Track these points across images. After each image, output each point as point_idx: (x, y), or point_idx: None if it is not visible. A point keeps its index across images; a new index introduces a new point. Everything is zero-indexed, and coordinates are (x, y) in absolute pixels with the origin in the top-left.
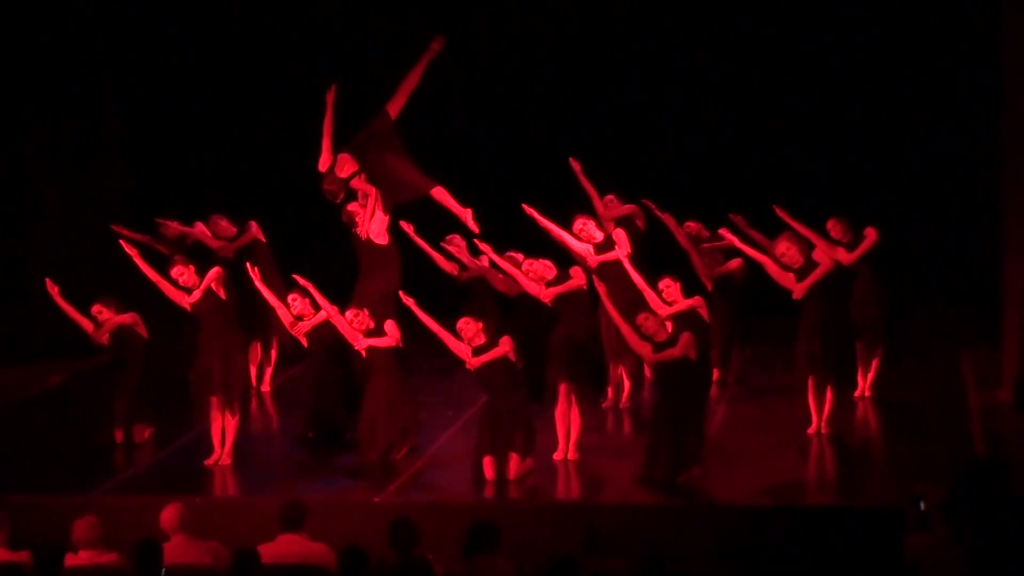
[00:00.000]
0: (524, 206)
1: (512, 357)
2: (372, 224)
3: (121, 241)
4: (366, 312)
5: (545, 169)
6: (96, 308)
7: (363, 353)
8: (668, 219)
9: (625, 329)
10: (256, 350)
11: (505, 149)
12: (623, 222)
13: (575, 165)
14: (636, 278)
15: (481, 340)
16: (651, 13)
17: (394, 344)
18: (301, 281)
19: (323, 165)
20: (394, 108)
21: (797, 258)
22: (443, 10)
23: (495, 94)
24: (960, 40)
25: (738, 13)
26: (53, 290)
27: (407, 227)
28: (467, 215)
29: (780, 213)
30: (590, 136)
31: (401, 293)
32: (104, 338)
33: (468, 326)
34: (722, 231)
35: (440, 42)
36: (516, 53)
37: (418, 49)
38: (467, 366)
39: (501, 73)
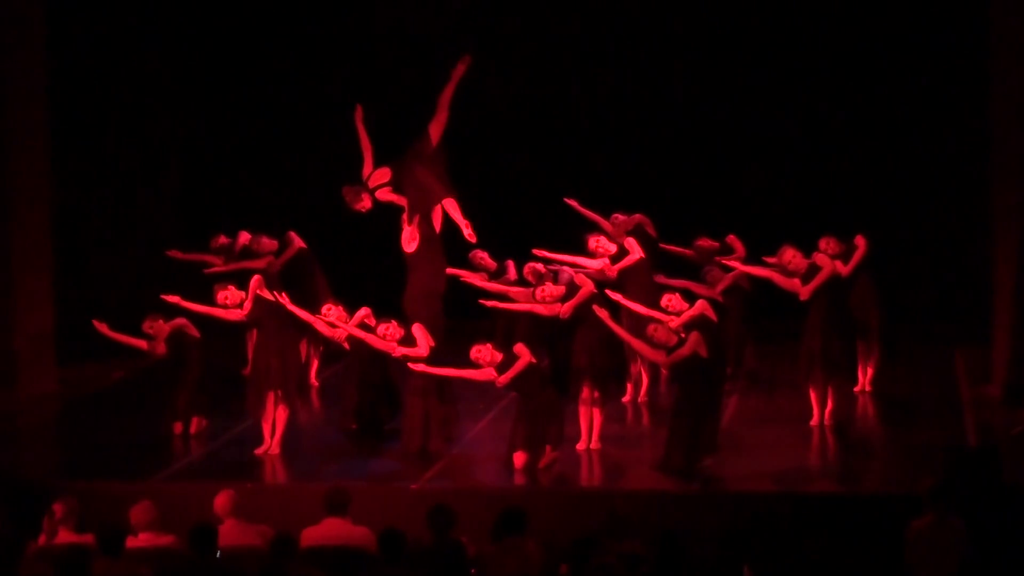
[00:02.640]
0: (535, 251)
1: (534, 360)
2: (403, 233)
3: (163, 296)
4: (394, 323)
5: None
6: (147, 324)
7: (401, 359)
8: (660, 279)
9: (636, 344)
10: (303, 347)
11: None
12: (633, 232)
13: (572, 203)
14: (637, 308)
15: (499, 357)
16: (644, 37)
17: (427, 353)
18: (327, 325)
19: (364, 175)
20: (435, 127)
21: (802, 263)
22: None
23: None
24: (949, 44)
25: (729, 35)
26: (102, 327)
27: None
28: (465, 226)
29: (733, 264)
30: (586, 162)
31: (411, 366)
32: (161, 348)
33: (481, 352)
34: (730, 239)
35: (467, 61)
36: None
37: (448, 66)
38: (498, 384)
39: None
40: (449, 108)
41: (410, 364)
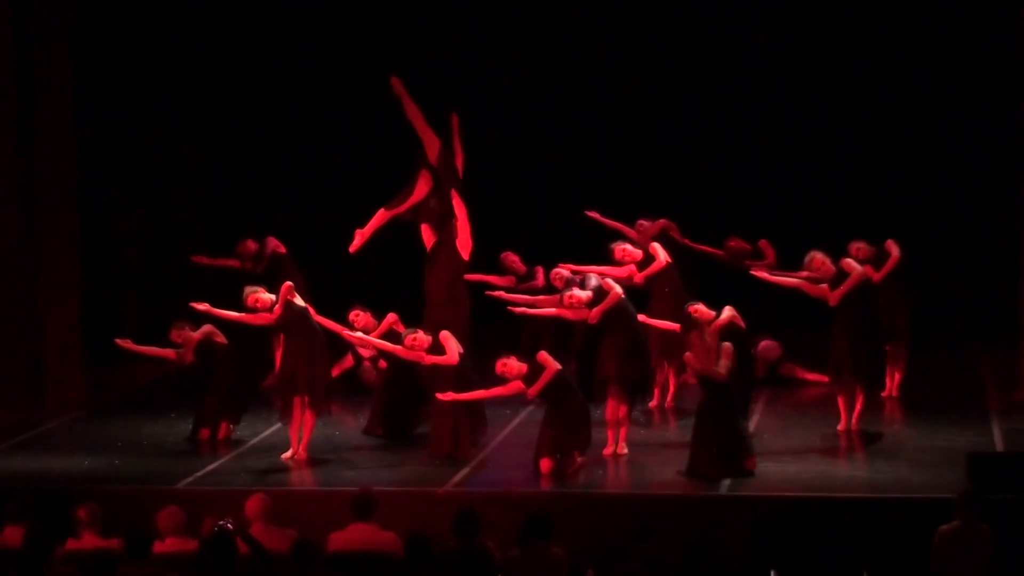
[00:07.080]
0: (561, 265)
1: (560, 367)
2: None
3: (192, 304)
4: (420, 332)
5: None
6: (173, 334)
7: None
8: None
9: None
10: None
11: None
12: (659, 237)
13: (594, 215)
14: (663, 324)
15: (525, 368)
16: (674, 39)
17: (456, 361)
18: (352, 333)
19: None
20: (425, 145)
21: (831, 268)
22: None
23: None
24: (977, 47)
25: (760, 38)
26: (126, 344)
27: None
28: (358, 235)
29: (761, 274)
30: (616, 167)
31: (439, 396)
32: (189, 357)
33: (507, 366)
34: (761, 243)
35: (395, 81)
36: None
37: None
38: (528, 396)
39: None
40: (422, 119)
41: (438, 394)
